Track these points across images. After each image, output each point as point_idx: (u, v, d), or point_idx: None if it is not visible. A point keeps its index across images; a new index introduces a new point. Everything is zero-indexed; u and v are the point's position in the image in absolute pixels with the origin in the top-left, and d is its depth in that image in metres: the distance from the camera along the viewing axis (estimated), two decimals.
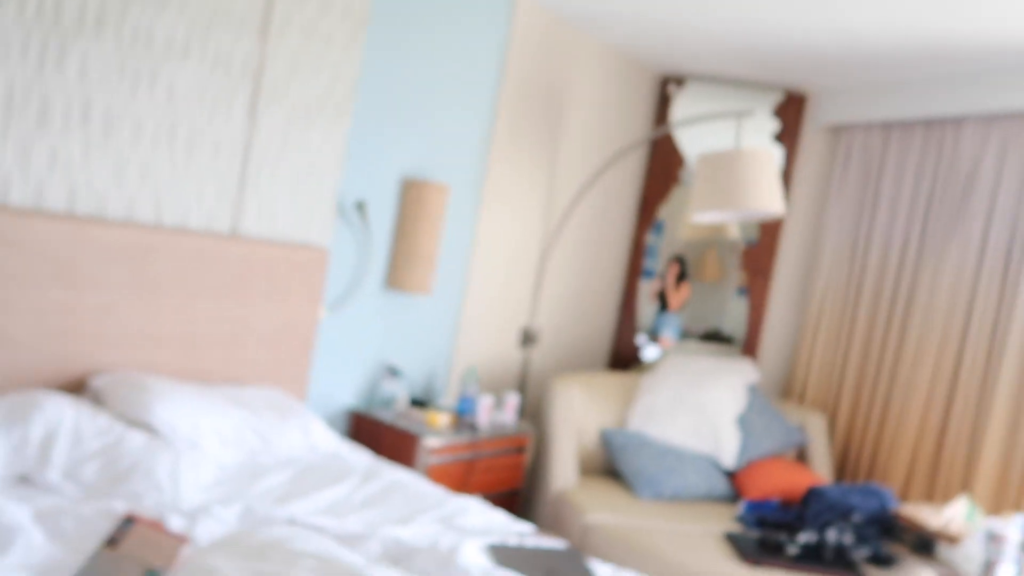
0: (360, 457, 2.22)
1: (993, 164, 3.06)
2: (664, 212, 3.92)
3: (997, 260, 3.00)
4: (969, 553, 2.36)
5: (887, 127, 3.48)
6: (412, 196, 2.77)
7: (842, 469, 3.37)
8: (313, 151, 2.47)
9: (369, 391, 2.83)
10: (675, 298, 4.01)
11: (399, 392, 2.78)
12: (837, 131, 3.70)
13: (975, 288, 3.06)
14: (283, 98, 2.36)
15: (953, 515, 2.50)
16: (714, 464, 3.03)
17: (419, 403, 2.86)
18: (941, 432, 3.10)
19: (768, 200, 2.72)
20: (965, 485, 2.96)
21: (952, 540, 2.40)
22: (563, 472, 2.89)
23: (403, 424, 2.60)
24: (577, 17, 3.23)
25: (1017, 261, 2.94)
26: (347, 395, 2.77)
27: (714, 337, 3.98)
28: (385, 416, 2.67)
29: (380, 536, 1.70)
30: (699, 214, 2.88)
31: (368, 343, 2.81)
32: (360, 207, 2.66)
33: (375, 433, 2.63)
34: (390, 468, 2.16)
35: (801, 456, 3.26)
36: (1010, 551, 2.34)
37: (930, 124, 3.32)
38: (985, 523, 2.40)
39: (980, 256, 3.07)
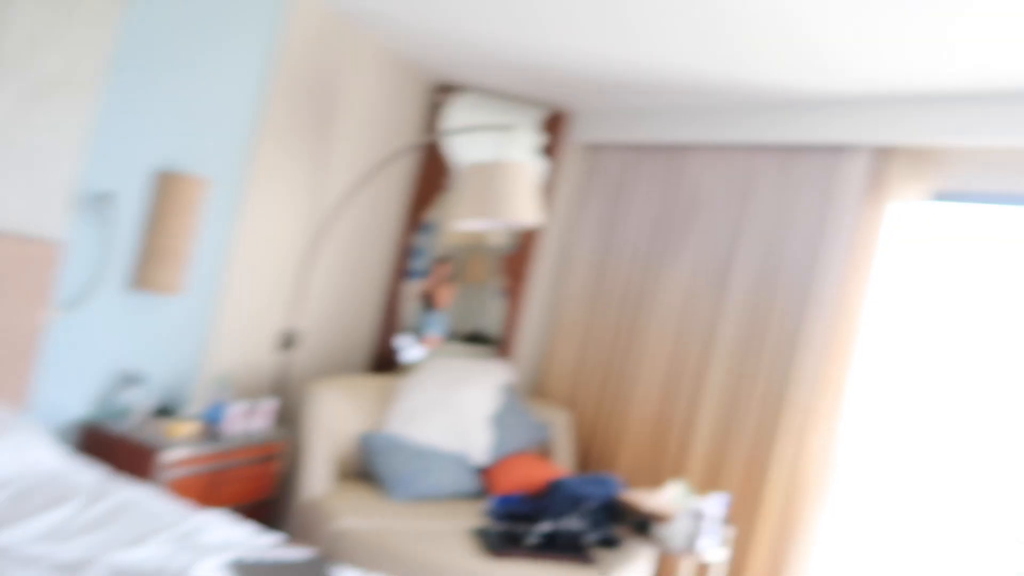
0: (88, 474, 2.08)
1: (713, 190, 3.51)
2: (433, 215, 4.03)
3: (712, 275, 3.44)
4: (677, 529, 2.71)
5: (634, 149, 3.85)
6: (166, 189, 2.61)
7: (584, 461, 3.69)
8: (49, 132, 2.25)
9: (105, 401, 2.63)
10: (443, 297, 4.14)
11: (140, 401, 2.62)
12: (593, 149, 4.03)
13: (694, 295, 3.49)
14: (18, 71, 2.13)
15: (667, 497, 2.86)
16: (466, 463, 3.19)
17: (165, 412, 2.71)
18: (661, 428, 3.50)
19: (525, 211, 2.90)
20: (682, 470, 3.37)
21: (665, 519, 2.74)
22: (315, 479, 2.89)
23: (139, 436, 2.45)
24: (354, 14, 3.22)
25: (727, 274, 3.40)
26: (80, 405, 2.56)
27: (477, 338, 4.16)
28: (120, 428, 2.50)
29: (104, 562, 1.62)
30: (462, 221, 3.00)
31: (107, 348, 2.61)
32: (103, 198, 2.46)
33: (109, 447, 2.46)
34: (124, 485, 2.04)
35: (548, 451, 3.52)
36: (710, 525, 2.72)
37: (668, 149, 3.72)
38: (692, 503, 2.77)
39: (698, 271, 3.50)
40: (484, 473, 3.22)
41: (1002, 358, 3.27)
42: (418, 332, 4.07)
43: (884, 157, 3.07)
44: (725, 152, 3.50)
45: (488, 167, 2.91)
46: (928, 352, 3.21)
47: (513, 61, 3.36)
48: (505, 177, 2.88)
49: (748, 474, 3.19)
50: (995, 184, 2.94)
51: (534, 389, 3.99)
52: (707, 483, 3.30)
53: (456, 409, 3.27)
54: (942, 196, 3.04)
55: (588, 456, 3.69)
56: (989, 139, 2.74)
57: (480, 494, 3.12)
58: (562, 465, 3.44)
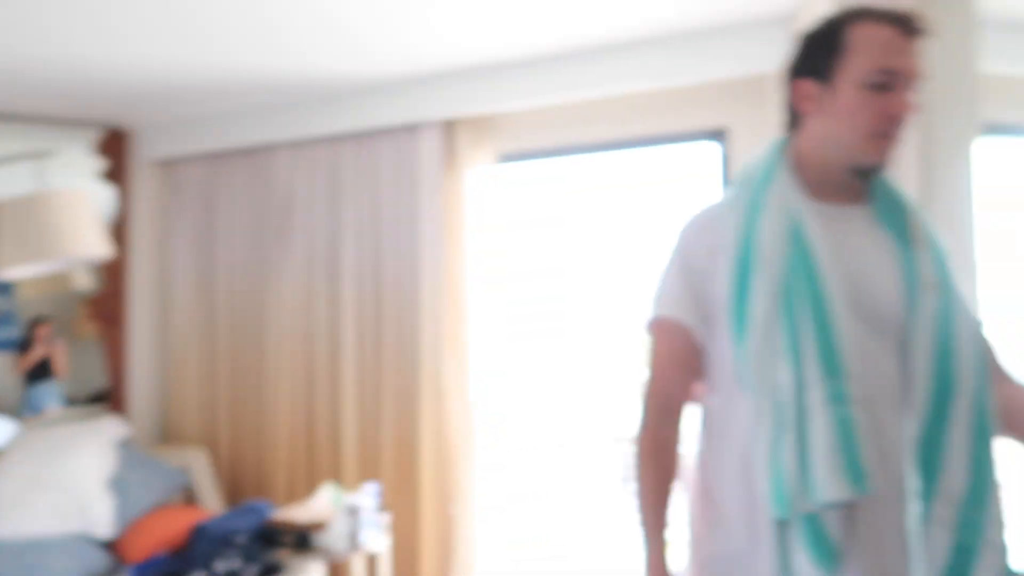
0: None
1: (305, 186, 3.44)
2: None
3: (323, 271, 3.38)
4: (336, 532, 2.64)
5: (214, 157, 3.61)
6: None
7: (235, 494, 3.42)
8: None
9: None
10: (58, 362, 3.49)
11: None
12: (168, 165, 3.70)
13: (311, 296, 3.40)
14: None
15: (320, 504, 2.76)
16: (89, 540, 2.75)
17: None
18: (309, 434, 3.38)
19: (86, 244, 2.55)
20: (339, 472, 3.30)
21: (322, 527, 2.65)
22: None
23: None
24: None
25: (338, 268, 3.37)
26: None
27: (102, 397, 3.60)
28: None
29: None
30: (10, 268, 2.54)
31: None
32: None
33: None
34: None
35: (192, 496, 3.20)
36: (367, 517, 2.69)
37: (250, 152, 3.56)
38: (345, 501, 2.71)
39: (309, 270, 3.42)
40: (116, 544, 2.81)
41: (592, 286, 3.74)
42: (23, 410, 3.38)
43: (452, 129, 3.27)
44: (309, 146, 3.45)
45: (27, 201, 2.50)
46: (529, 292, 3.54)
47: (42, 79, 2.91)
48: (51, 210, 2.49)
49: (399, 455, 3.22)
50: (549, 140, 3.30)
51: (163, 435, 3.59)
52: (364, 477, 3.27)
53: (63, 484, 2.79)
54: (508, 158, 3.34)
55: (238, 488, 3.43)
56: (535, 101, 3.06)
57: (115, 570, 2.72)
58: (209, 507, 3.15)
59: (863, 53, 1.19)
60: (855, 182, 1.28)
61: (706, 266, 1.27)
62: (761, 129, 2.97)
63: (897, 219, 1.27)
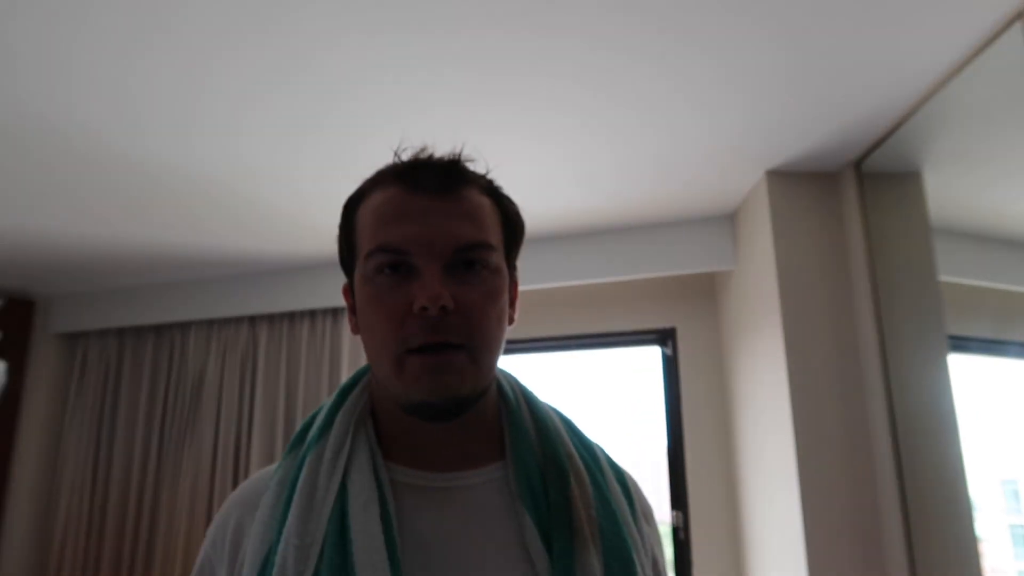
0: None
1: (216, 366, 3.12)
2: None
3: (228, 458, 2.99)
4: None
5: (122, 333, 3.31)
6: None
7: None
8: None
9: None
10: None
11: None
12: (72, 339, 3.39)
13: (212, 491, 2.99)
14: None
15: None
16: None
17: None
18: None
19: None
20: None
21: None
22: None
23: None
24: None
25: (244, 457, 2.98)
26: None
27: None
28: None
29: None
30: None
31: None
32: None
33: None
34: None
35: None
36: None
37: (161, 329, 3.27)
38: None
39: (213, 456, 3.03)
40: None
41: None
42: None
43: None
44: (223, 326, 3.17)
45: None
46: None
47: None
48: None
49: None
50: None
51: None
52: None
53: None
54: None
55: None
56: None
57: None
58: None
59: (363, 233, 0.74)
60: (476, 440, 0.76)
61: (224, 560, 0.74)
62: (709, 329, 2.75)
63: (548, 490, 0.74)
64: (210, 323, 3.18)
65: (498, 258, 0.74)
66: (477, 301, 0.70)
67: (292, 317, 3.09)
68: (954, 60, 1.66)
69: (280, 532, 0.68)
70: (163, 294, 3.22)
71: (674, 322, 2.80)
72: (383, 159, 0.78)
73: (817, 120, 1.92)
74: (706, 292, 2.79)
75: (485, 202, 0.74)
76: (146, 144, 1.94)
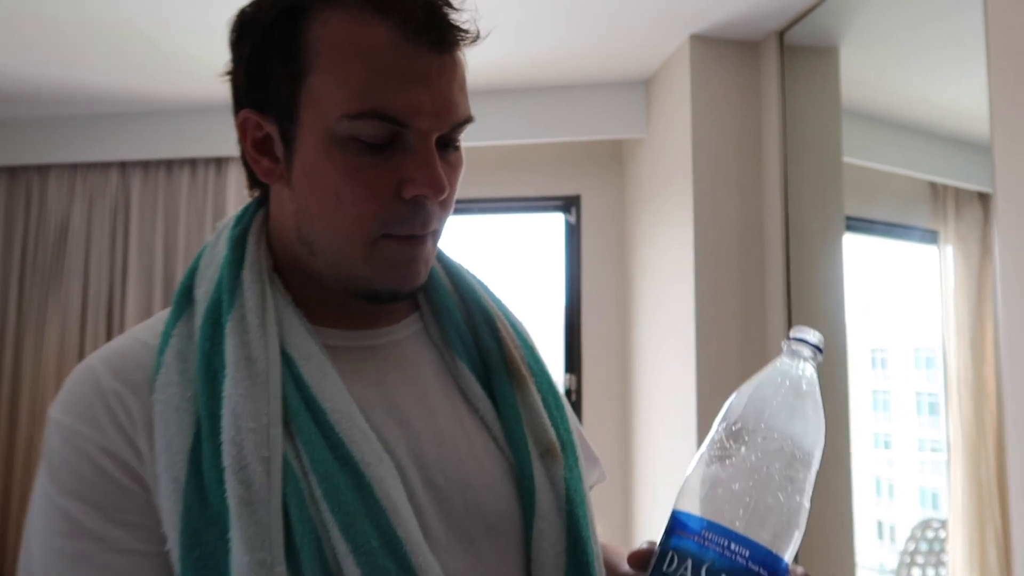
0: None
1: (82, 215, 2.85)
2: None
3: (100, 314, 2.79)
4: None
5: None
6: None
7: None
8: None
9: None
10: None
11: None
12: None
13: (82, 349, 2.79)
14: None
15: None
16: None
17: None
18: None
19: None
20: None
21: None
22: None
23: None
24: None
25: (119, 313, 2.79)
26: None
27: None
28: None
29: None
30: None
31: None
32: None
33: None
34: None
35: None
36: None
37: (15, 171, 2.92)
38: None
39: (82, 311, 2.81)
40: None
41: None
42: None
43: None
44: (90, 171, 2.86)
45: None
46: None
47: None
48: None
49: None
50: None
51: None
52: None
53: None
54: None
55: None
56: None
57: None
58: None
59: (335, 75, 0.58)
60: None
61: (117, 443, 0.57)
62: (614, 197, 2.74)
63: (479, 337, 0.70)
64: (74, 167, 2.86)
65: None
66: (454, 183, 0.63)
67: (170, 165, 2.82)
68: None
69: (207, 417, 0.56)
70: (18, 132, 2.85)
71: (579, 189, 2.76)
72: None
73: None
74: (613, 160, 2.76)
75: (463, 64, 0.63)
76: None
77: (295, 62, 0.59)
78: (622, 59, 2.29)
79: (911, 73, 2.20)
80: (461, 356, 0.68)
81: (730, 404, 0.53)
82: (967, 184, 3.07)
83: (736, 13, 1.98)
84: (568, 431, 0.70)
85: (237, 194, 2.75)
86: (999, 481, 2.90)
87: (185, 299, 0.63)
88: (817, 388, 0.52)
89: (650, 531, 2.33)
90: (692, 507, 0.51)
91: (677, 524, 0.51)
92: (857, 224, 2.33)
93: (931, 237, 3.15)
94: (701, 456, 0.53)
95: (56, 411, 0.59)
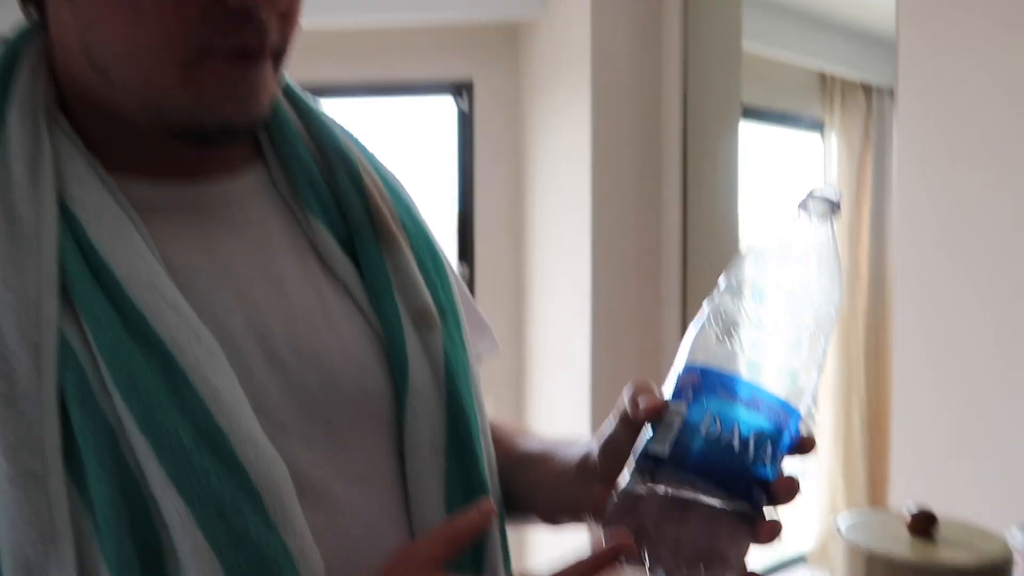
0: None
1: None
2: None
3: None
4: None
5: None
6: None
7: None
8: None
9: None
10: None
11: None
12: None
13: None
14: None
15: None
16: None
17: None
18: None
19: None
20: None
21: None
22: None
23: None
24: None
25: None
26: None
27: None
28: None
29: None
30: None
31: None
32: None
33: None
34: None
35: None
36: None
37: None
38: None
39: None
40: None
41: None
42: None
43: None
44: None
45: None
46: None
47: None
48: None
49: None
50: None
51: None
52: None
53: None
54: None
55: None
56: None
57: None
58: None
59: None
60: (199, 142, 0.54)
61: None
62: (508, 83, 2.62)
63: (337, 190, 0.59)
64: None
65: None
66: None
67: None
68: None
69: None
70: None
71: (471, 74, 2.61)
72: None
73: None
74: (508, 43, 2.61)
75: None
76: None
77: None
78: None
79: None
80: (315, 212, 0.56)
81: (749, 260, 0.50)
82: (854, 74, 3.14)
83: None
84: (450, 295, 0.60)
85: None
86: (866, 357, 3.14)
87: None
88: (836, 247, 0.49)
89: (544, 417, 2.37)
90: (720, 363, 0.48)
91: (712, 382, 0.47)
92: (751, 112, 2.34)
93: (818, 127, 3.24)
94: (718, 310, 0.49)
95: None
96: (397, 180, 0.65)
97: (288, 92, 0.61)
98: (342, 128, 0.63)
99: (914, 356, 1.27)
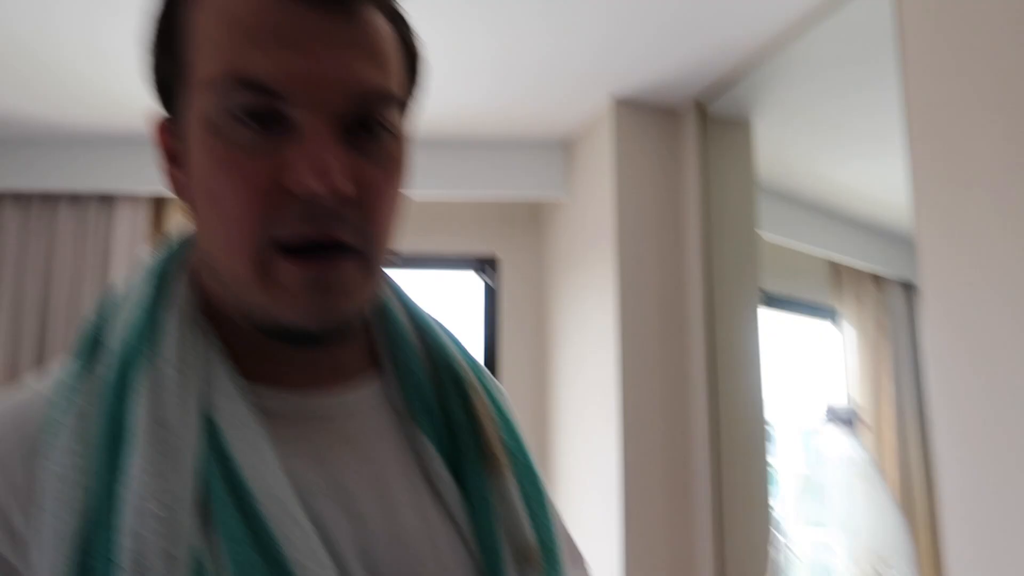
0: None
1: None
2: None
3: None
4: None
5: None
6: None
7: None
8: None
9: None
10: None
11: None
12: None
13: None
14: None
15: None
16: None
17: None
18: None
19: None
20: None
21: None
22: None
23: None
24: None
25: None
26: None
27: None
28: None
29: None
30: None
31: None
32: None
33: None
34: None
35: None
36: None
37: None
38: None
39: None
40: None
41: None
42: None
43: (164, 210, 2.62)
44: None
45: None
46: None
47: None
48: None
49: None
50: None
51: None
52: None
53: None
54: None
55: None
56: None
57: None
58: None
59: (204, 41, 0.48)
60: (347, 348, 0.57)
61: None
62: (531, 261, 2.70)
63: (447, 406, 0.59)
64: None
65: (402, 118, 0.53)
66: (380, 184, 0.50)
67: (51, 200, 2.57)
68: (807, 11, 1.67)
69: (102, 495, 0.44)
70: None
71: (496, 250, 2.70)
72: None
73: (667, 50, 1.88)
74: (531, 221, 2.72)
75: (387, 31, 0.51)
76: None
77: (173, 47, 0.50)
78: (543, 118, 2.28)
79: (818, 151, 2.30)
80: (426, 429, 0.56)
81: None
82: (863, 264, 3.23)
83: (657, 77, 2.01)
84: (550, 531, 0.58)
85: (127, 236, 2.54)
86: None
87: (90, 344, 0.51)
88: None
89: None
90: None
91: None
92: (765, 297, 2.38)
93: (831, 314, 3.28)
94: None
95: None
96: (502, 396, 0.65)
97: (402, 297, 0.63)
98: (451, 337, 0.64)
99: (963, 557, 1.21)
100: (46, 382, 0.50)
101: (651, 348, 2.05)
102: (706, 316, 2.04)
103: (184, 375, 0.48)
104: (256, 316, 0.50)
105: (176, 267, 0.54)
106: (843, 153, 2.27)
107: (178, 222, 2.57)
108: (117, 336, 0.50)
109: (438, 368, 0.60)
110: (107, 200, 2.56)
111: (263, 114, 0.46)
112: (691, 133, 2.13)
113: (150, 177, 2.50)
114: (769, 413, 2.01)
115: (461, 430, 0.57)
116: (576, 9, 1.67)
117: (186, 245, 0.56)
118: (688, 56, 1.88)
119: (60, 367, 0.51)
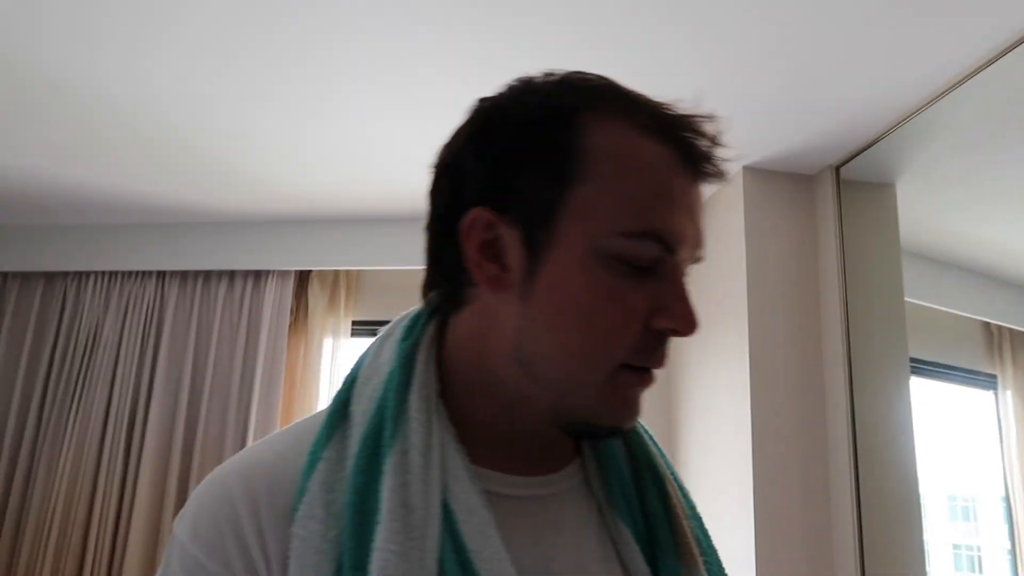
0: None
1: (115, 324, 2.80)
2: None
3: (120, 430, 2.68)
4: None
5: (5, 277, 2.93)
6: None
7: None
8: None
9: None
10: None
11: None
12: None
13: (99, 466, 2.67)
14: None
15: None
16: None
17: None
18: None
19: None
20: None
21: None
22: None
23: None
24: None
25: (140, 430, 2.69)
26: None
27: None
28: None
29: None
30: None
31: None
32: None
33: None
34: None
35: None
36: None
37: (52, 277, 2.91)
38: None
39: (103, 427, 2.71)
40: None
41: None
42: None
43: (307, 283, 2.79)
44: (126, 280, 2.85)
45: None
46: None
47: None
48: None
49: None
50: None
51: None
52: None
53: None
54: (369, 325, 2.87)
55: None
56: (401, 263, 2.65)
57: None
58: None
59: (616, 188, 0.52)
60: (561, 437, 0.60)
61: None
62: None
63: (645, 499, 0.61)
64: (112, 275, 2.85)
65: None
66: None
67: (208, 276, 2.80)
68: (950, 77, 1.62)
69: (351, 568, 0.47)
70: (58, 238, 2.87)
71: None
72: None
73: (802, 120, 1.85)
74: None
75: None
76: (56, 64, 1.66)
77: (564, 168, 0.52)
78: None
79: (967, 210, 2.17)
80: (624, 518, 0.58)
81: None
82: (1021, 327, 2.98)
83: (791, 148, 1.98)
84: None
85: (274, 307, 2.71)
86: None
87: (340, 415, 0.55)
88: None
89: None
90: None
91: None
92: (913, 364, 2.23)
93: (987, 382, 3.02)
94: None
95: (182, 530, 0.51)
96: (689, 492, 0.67)
97: None
98: (648, 433, 0.67)
99: None
100: (291, 446, 0.54)
101: (787, 422, 1.95)
102: (847, 386, 1.93)
103: (427, 461, 0.52)
104: (578, 416, 0.54)
105: (425, 346, 0.57)
106: (994, 212, 2.14)
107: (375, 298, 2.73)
108: (365, 412, 0.54)
109: (636, 457, 0.63)
110: (258, 275, 2.76)
111: (652, 261, 0.53)
112: (827, 198, 2.06)
113: (295, 254, 2.69)
114: (924, 487, 1.86)
115: (658, 523, 0.59)
116: (709, 82, 1.68)
117: (424, 324, 0.59)
118: (825, 126, 1.85)
119: (304, 431, 0.55)
